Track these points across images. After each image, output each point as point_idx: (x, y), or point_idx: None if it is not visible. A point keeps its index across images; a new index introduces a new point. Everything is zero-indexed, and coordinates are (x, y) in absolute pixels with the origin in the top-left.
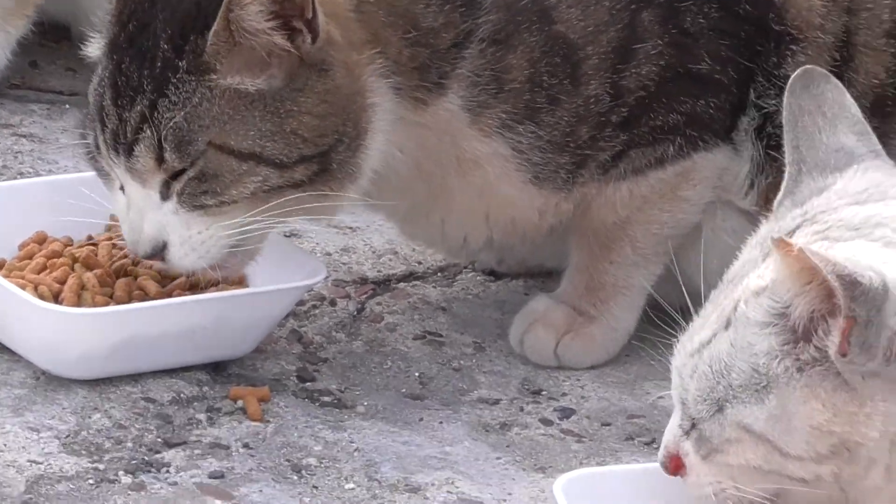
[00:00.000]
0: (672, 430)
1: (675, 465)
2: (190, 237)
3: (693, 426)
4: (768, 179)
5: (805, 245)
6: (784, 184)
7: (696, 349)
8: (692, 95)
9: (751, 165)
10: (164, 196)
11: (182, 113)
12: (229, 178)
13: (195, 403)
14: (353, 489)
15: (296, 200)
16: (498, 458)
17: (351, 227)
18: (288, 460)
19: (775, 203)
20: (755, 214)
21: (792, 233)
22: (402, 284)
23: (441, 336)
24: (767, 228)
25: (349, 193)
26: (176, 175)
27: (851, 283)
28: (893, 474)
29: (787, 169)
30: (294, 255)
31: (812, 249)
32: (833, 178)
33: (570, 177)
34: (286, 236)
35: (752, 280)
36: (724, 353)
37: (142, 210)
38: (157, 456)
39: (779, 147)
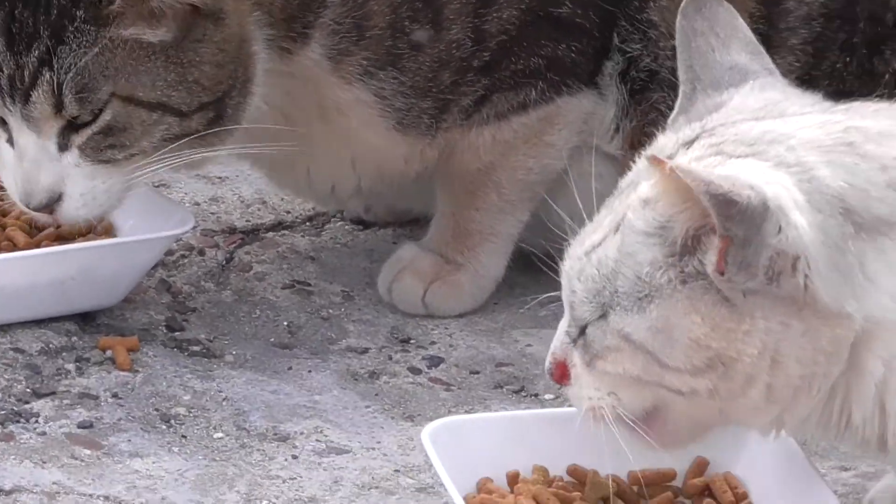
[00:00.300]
0: (559, 337)
1: (560, 373)
2: (94, 187)
3: (581, 333)
4: (633, 123)
5: (678, 164)
6: (678, 102)
7: (586, 252)
8: (553, 39)
9: (616, 109)
10: (63, 147)
11: (83, 60)
12: (140, 129)
13: (64, 354)
14: (221, 438)
15: (187, 147)
16: (367, 407)
17: (219, 177)
18: (157, 410)
19: (669, 120)
20: (621, 158)
21: (690, 143)
22: (270, 234)
23: (310, 285)
24: (665, 140)
25: (229, 141)
26: (77, 127)
27: (726, 203)
28: (774, 394)
29: (681, 88)
30: (162, 205)
31: (685, 168)
32: (729, 94)
33: (434, 122)
34: (154, 186)
35: (641, 188)
36: (612, 258)
37: (38, 160)
38: (26, 406)
39: (643, 91)
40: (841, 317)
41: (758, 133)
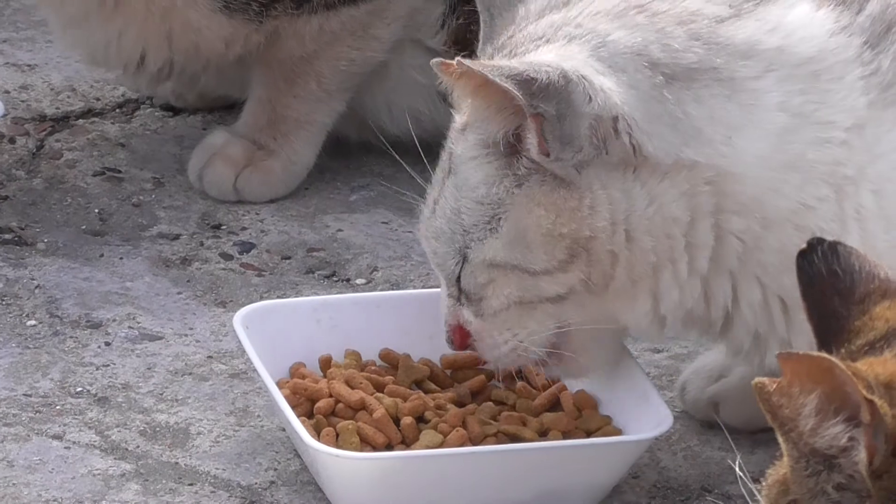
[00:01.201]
0: (444, 304)
1: (460, 337)
2: None
3: (459, 289)
4: (459, 21)
5: (463, 60)
6: (481, 32)
7: (431, 211)
8: None
9: (444, 7)
10: None
11: None
12: None
13: None
14: (34, 326)
15: None
16: (179, 293)
17: (29, 65)
18: None
19: (478, 51)
20: (443, 53)
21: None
22: (80, 121)
23: (120, 172)
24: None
25: None
26: None
27: (525, 82)
28: (635, 271)
29: (481, 17)
30: None
31: (473, 61)
32: (518, 8)
33: (263, 10)
34: None
35: (455, 121)
36: (451, 199)
37: None
38: None
39: None
40: (680, 169)
41: (544, 26)
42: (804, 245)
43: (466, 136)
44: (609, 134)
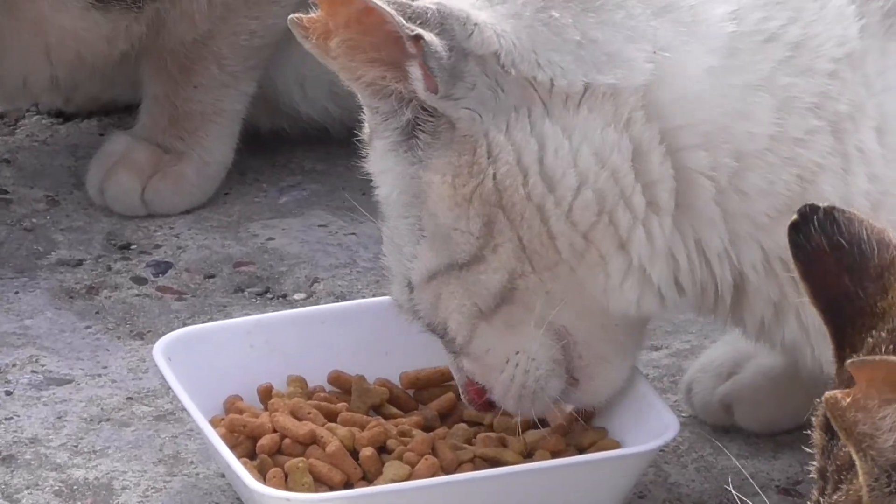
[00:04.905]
0: (450, 365)
1: (476, 393)
2: None
3: (441, 335)
4: None
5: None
6: None
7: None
8: None
9: None
10: None
11: None
12: None
13: None
14: None
15: None
16: (87, 328)
17: None
18: None
19: None
20: None
21: None
22: None
23: (7, 193)
24: None
25: None
26: None
27: (401, 5)
28: (576, 217)
29: None
30: None
31: None
32: None
33: None
34: None
35: (364, 135)
36: (387, 233)
37: None
38: None
39: None
40: (597, 95)
41: None
42: (795, 214)
43: (374, 147)
44: (498, 71)
